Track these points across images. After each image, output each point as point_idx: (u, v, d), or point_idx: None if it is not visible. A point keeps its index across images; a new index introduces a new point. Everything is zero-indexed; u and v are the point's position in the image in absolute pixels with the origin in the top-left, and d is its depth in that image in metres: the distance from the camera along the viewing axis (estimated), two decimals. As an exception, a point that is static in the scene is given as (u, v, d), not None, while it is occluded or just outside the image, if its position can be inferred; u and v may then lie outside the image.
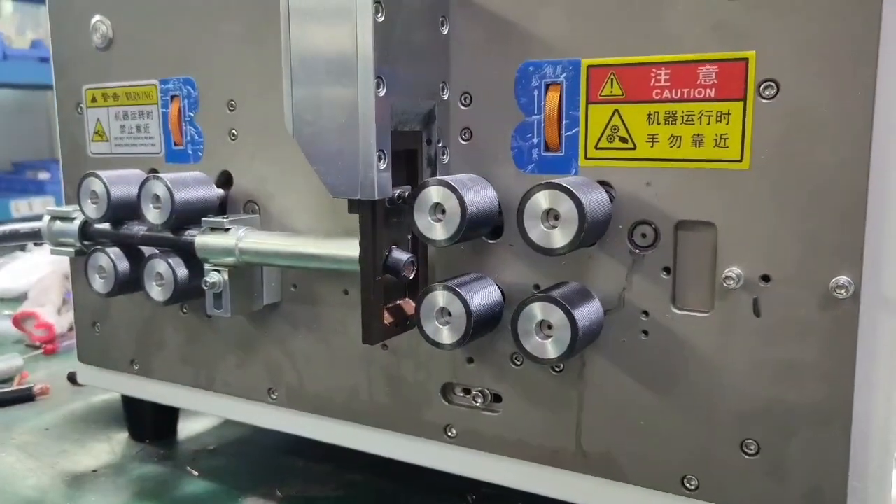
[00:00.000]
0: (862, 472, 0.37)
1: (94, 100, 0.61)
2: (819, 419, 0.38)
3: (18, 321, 0.97)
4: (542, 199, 0.38)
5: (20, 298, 1.19)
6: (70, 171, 0.63)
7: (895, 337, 0.36)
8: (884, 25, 0.34)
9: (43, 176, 2.42)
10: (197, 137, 0.55)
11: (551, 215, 0.38)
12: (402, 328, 0.44)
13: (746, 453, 0.39)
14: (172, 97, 0.56)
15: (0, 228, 0.65)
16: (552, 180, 0.38)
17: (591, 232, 0.38)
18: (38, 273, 1.16)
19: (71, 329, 0.99)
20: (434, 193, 0.40)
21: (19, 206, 2.24)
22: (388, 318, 0.43)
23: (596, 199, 0.38)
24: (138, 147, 0.59)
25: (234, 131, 0.54)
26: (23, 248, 1.64)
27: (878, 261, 0.36)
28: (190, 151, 0.56)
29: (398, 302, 0.44)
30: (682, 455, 0.41)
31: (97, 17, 0.59)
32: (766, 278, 0.38)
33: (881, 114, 0.35)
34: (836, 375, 0.37)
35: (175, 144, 0.56)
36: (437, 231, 0.40)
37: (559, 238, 0.37)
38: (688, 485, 0.41)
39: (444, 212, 0.40)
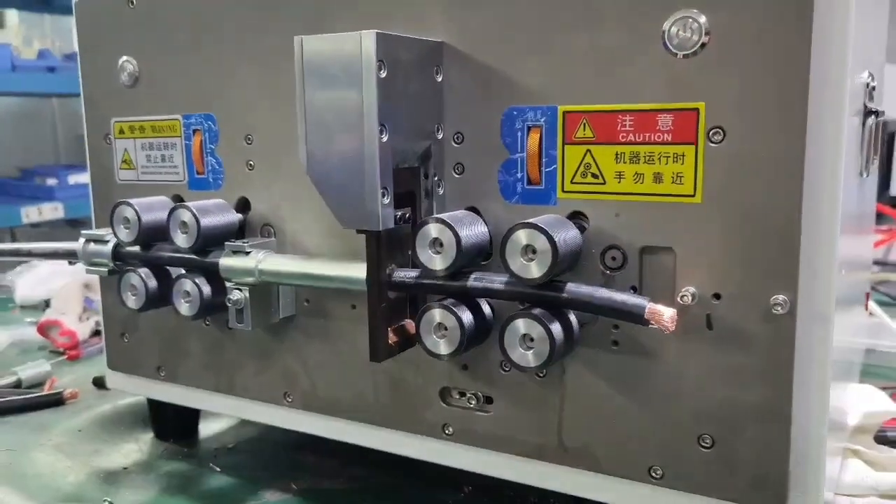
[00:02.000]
0: (800, 460, 0.44)
1: (121, 131, 0.67)
2: (763, 416, 0.44)
3: (43, 329, 1.04)
4: (521, 237, 0.44)
5: (39, 306, 1.26)
6: (99, 195, 0.69)
7: (825, 346, 0.42)
8: (812, 80, 0.40)
9: (51, 182, 2.47)
10: (217, 167, 0.61)
11: (529, 250, 0.44)
12: (406, 346, 0.50)
13: (703, 446, 0.46)
14: (195, 130, 0.62)
15: (41, 247, 0.71)
16: (531, 220, 0.44)
17: (563, 263, 0.44)
18: (57, 281, 1.23)
19: (93, 335, 1.05)
20: (433, 230, 0.46)
21: (29, 212, 2.29)
22: (392, 338, 0.49)
23: (568, 236, 0.44)
24: (163, 175, 0.65)
25: (251, 162, 0.60)
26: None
27: (811, 281, 0.42)
28: (211, 180, 0.62)
29: (401, 322, 0.50)
30: (648, 448, 0.47)
31: (124, 58, 0.65)
32: (717, 296, 0.44)
33: (811, 155, 0.41)
34: (777, 379, 0.43)
35: (197, 173, 0.63)
36: (437, 262, 0.46)
37: (535, 270, 0.44)
38: (654, 474, 0.47)
39: (441, 245, 0.46)
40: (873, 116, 0.53)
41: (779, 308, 0.42)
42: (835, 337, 0.43)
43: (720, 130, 0.43)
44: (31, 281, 1.27)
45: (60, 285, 1.15)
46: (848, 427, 0.64)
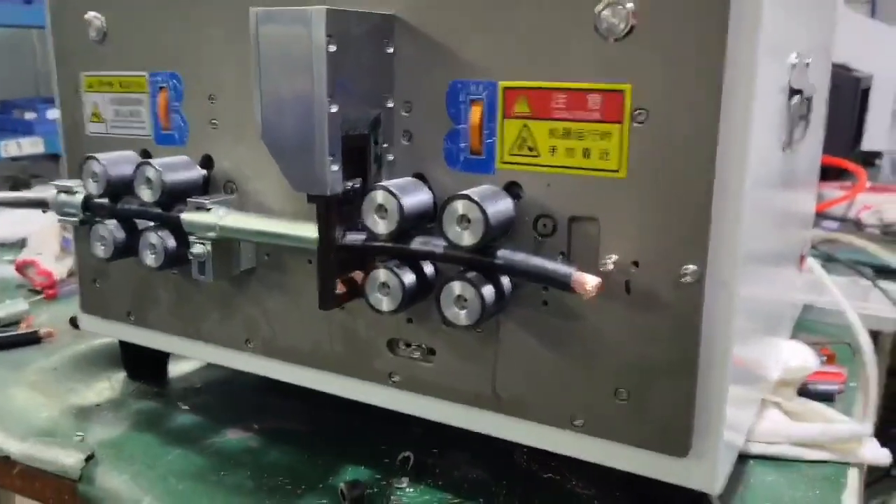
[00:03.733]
0: (703, 413, 0.48)
1: (90, 85, 0.69)
2: (672, 373, 0.48)
3: (20, 268, 1.07)
4: (458, 206, 0.47)
5: (18, 245, 1.28)
6: (70, 146, 0.72)
7: (728, 311, 0.47)
8: (727, 68, 0.44)
9: (30, 116, 2.47)
10: (182, 124, 0.64)
11: (464, 219, 0.47)
12: (353, 296, 0.54)
13: (619, 399, 0.50)
14: (160, 88, 0.65)
15: (11, 196, 0.74)
16: (467, 192, 0.48)
17: (494, 232, 0.47)
18: (35, 221, 1.25)
19: (69, 275, 1.09)
20: (378, 196, 0.50)
21: (9, 146, 2.30)
22: (340, 288, 0.53)
23: (501, 207, 0.48)
24: (131, 129, 0.67)
25: (214, 121, 0.62)
26: (17, 195, 1.71)
27: (718, 253, 0.46)
28: (176, 136, 0.65)
29: (351, 274, 0.54)
30: (571, 399, 0.52)
31: (92, 13, 0.66)
32: (635, 264, 0.48)
33: (724, 137, 0.45)
34: (685, 341, 0.47)
35: (163, 129, 0.65)
36: (381, 226, 0.50)
37: (468, 238, 0.47)
38: (576, 423, 0.52)
39: (386, 210, 0.50)
40: (798, 95, 0.56)
41: (688, 277, 0.46)
42: (754, 298, 0.47)
43: (644, 111, 0.46)
44: (9, 220, 1.30)
45: (37, 225, 1.17)
46: (771, 380, 0.70)
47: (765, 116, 0.48)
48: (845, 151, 1.88)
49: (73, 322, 0.91)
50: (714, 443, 0.49)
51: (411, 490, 0.59)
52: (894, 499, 1.15)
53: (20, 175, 2.62)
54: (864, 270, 1.14)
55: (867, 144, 2.06)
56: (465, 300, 0.49)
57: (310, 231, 0.54)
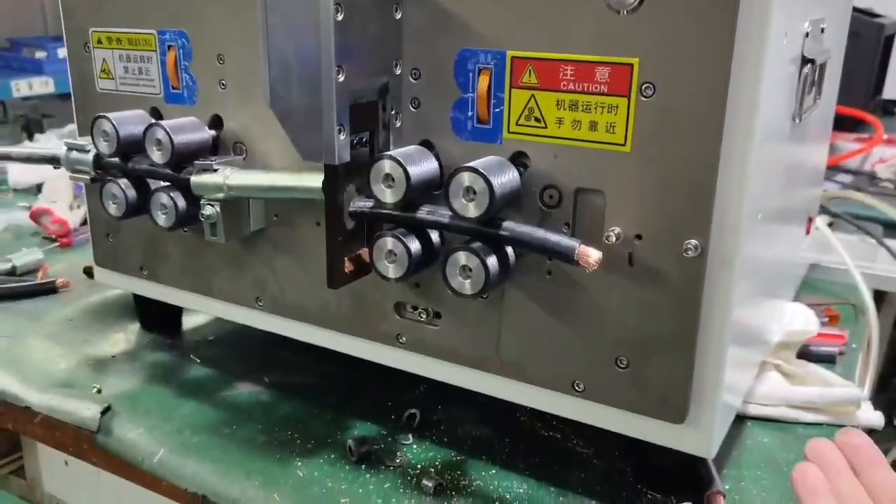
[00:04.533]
0: (700, 383, 0.50)
1: (99, 41, 0.69)
2: (672, 345, 0.49)
3: (35, 216, 1.08)
4: (464, 178, 0.48)
5: (31, 190, 1.30)
6: (80, 102, 0.72)
7: (729, 286, 0.47)
8: (736, 46, 0.43)
9: (40, 55, 2.46)
10: (192, 84, 0.64)
11: (470, 191, 0.48)
12: (360, 274, 0.54)
13: (619, 367, 0.51)
14: (169, 46, 0.64)
15: (22, 151, 0.74)
16: (474, 164, 0.48)
17: (500, 204, 0.48)
18: (50, 167, 1.26)
19: (83, 223, 1.10)
20: (385, 166, 0.50)
21: (20, 85, 2.29)
22: (348, 267, 0.53)
23: (506, 179, 0.48)
24: (141, 87, 0.67)
25: (223, 81, 0.62)
26: (31, 138, 1.72)
27: (722, 229, 0.46)
28: (186, 95, 0.65)
29: (358, 252, 0.55)
30: (573, 365, 0.53)
31: (100, -31, 0.66)
32: (638, 237, 0.49)
33: (731, 114, 0.44)
34: (685, 313, 0.48)
35: (173, 88, 0.65)
36: (388, 195, 0.51)
37: (473, 210, 0.48)
38: (577, 388, 0.53)
39: (393, 180, 0.50)
40: (810, 64, 0.56)
41: (690, 251, 0.47)
42: (757, 265, 0.47)
43: (651, 85, 0.46)
44: (23, 166, 1.30)
45: (52, 173, 1.18)
46: (772, 342, 0.71)
47: (774, 90, 0.48)
48: (865, 100, 1.85)
49: (88, 272, 0.92)
50: (710, 411, 0.50)
51: (416, 447, 0.61)
52: (892, 451, 1.17)
53: (31, 114, 2.63)
54: (873, 228, 1.14)
55: (889, 93, 2.02)
56: (470, 270, 0.50)
57: (315, 181, 0.55)
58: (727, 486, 0.56)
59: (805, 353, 0.74)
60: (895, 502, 0.37)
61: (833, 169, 1.46)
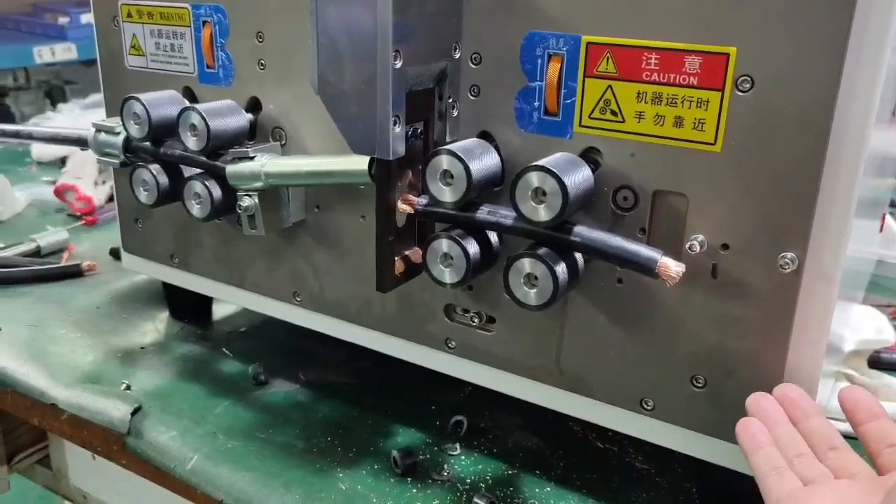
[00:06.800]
0: (787, 409, 0.45)
1: (129, 15, 0.64)
2: (756, 365, 0.45)
3: (60, 193, 1.05)
4: (533, 179, 0.43)
5: (56, 163, 1.26)
6: (109, 79, 0.68)
7: (827, 304, 0.43)
8: (850, 41, 0.38)
9: (63, 20, 2.41)
10: (228, 63, 0.60)
11: (539, 192, 0.43)
12: (411, 276, 0.50)
13: (695, 386, 0.47)
14: (204, 22, 0.60)
15: (46, 131, 0.70)
16: (544, 162, 0.43)
17: (573, 207, 0.43)
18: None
19: (108, 200, 1.07)
20: (443, 161, 0.45)
21: (42, 51, 2.25)
22: (399, 268, 0.49)
23: (580, 178, 0.43)
24: (173, 65, 0.63)
25: (262, 61, 0.58)
26: (54, 108, 1.68)
27: (822, 242, 0.42)
28: (221, 75, 0.60)
29: (406, 253, 0.50)
30: (642, 381, 0.49)
31: (130, -64, 0.61)
32: (725, 246, 0.44)
33: (839, 118, 0.39)
34: (775, 332, 0.44)
35: (208, 67, 0.61)
36: (447, 194, 0.46)
37: (544, 213, 0.43)
38: (645, 406, 0.49)
39: (451, 177, 0.45)
40: (916, 54, 0.50)
41: (786, 266, 0.42)
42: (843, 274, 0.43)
43: (749, 79, 0.41)
44: (47, 138, 1.27)
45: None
46: (843, 351, 0.66)
47: (886, 87, 0.43)
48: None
49: (115, 253, 0.89)
50: (796, 439, 0.45)
51: (464, 458, 0.57)
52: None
53: (54, 81, 2.59)
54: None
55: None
56: (536, 279, 0.45)
57: (357, 164, 0.50)
58: (802, 512, 0.52)
59: (876, 361, 0.69)
60: (829, 445, 0.40)
61: None
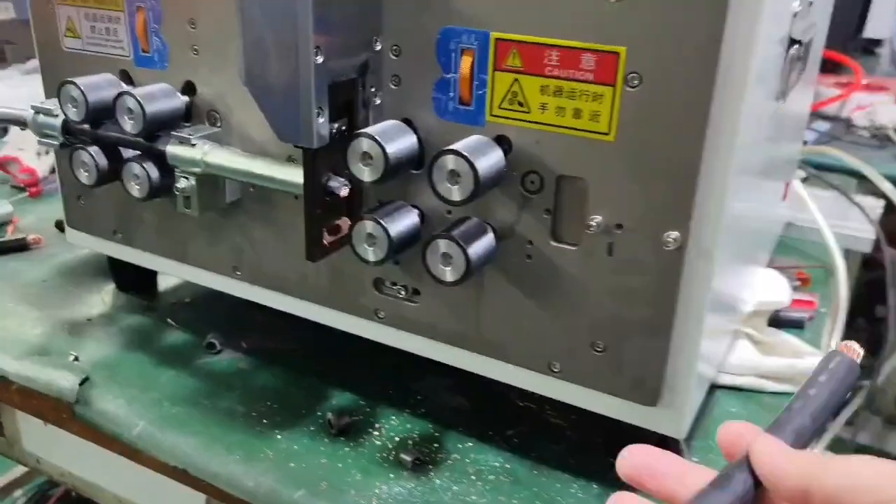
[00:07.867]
0: (673, 369, 0.51)
1: (63, -3, 0.66)
2: (648, 331, 0.50)
3: (2, 164, 1.05)
4: (448, 162, 0.47)
5: (-2, 132, 1.25)
6: (46, 61, 0.69)
7: (707, 277, 0.48)
8: (724, 40, 0.43)
9: (-2, -24, 2.34)
10: (162, 48, 0.62)
11: (454, 174, 0.47)
12: (340, 245, 0.54)
13: (596, 350, 0.52)
14: (138, 7, 0.62)
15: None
16: (457, 146, 0.47)
17: (484, 187, 0.48)
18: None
19: (52, 172, 1.07)
20: (363, 144, 0.49)
21: (-23, 11, 2.19)
22: (327, 239, 0.53)
23: (491, 161, 0.48)
24: (109, 48, 0.65)
25: (195, 47, 0.60)
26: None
27: (702, 222, 0.47)
28: (156, 59, 0.63)
29: (336, 222, 0.54)
30: (550, 347, 0.54)
31: (61, -79, 0.62)
32: (619, 226, 0.49)
33: (715, 110, 0.44)
34: (662, 303, 0.49)
35: (143, 51, 0.63)
36: (366, 174, 0.50)
37: (457, 193, 0.47)
38: (553, 368, 0.54)
39: (371, 158, 0.49)
40: (797, 45, 0.55)
41: (670, 244, 0.47)
42: (733, 240, 0.47)
43: (637, 76, 0.45)
44: (-14, 107, 1.26)
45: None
46: (743, 311, 0.72)
47: (760, 76, 0.47)
48: (846, 40, 1.83)
49: (60, 226, 0.90)
50: (683, 395, 0.51)
51: (394, 419, 0.62)
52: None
53: (-8, 40, 2.52)
54: (847, 182, 1.15)
55: (869, 31, 2.00)
56: (451, 257, 0.50)
57: (296, 175, 0.54)
58: (696, 459, 0.58)
59: (775, 319, 0.76)
60: None
61: (812, 115, 1.46)
